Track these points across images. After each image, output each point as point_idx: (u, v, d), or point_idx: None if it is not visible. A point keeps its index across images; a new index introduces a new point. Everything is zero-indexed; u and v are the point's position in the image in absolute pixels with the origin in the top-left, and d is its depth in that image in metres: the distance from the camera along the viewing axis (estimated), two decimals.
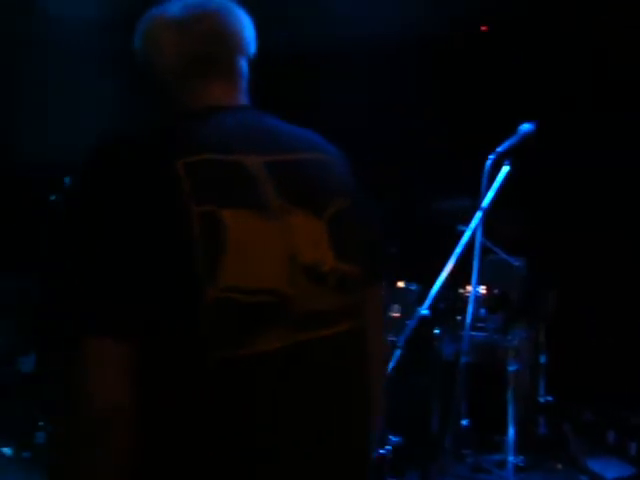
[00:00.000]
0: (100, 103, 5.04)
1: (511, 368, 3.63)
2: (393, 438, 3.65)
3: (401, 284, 4.11)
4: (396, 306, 4.08)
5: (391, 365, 2.30)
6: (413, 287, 4.07)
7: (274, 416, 1.16)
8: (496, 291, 3.97)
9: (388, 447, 3.62)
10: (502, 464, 3.60)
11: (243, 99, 1.36)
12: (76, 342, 1.08)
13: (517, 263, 3.86)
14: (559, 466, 3.84)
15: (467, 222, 3.01)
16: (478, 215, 2.98)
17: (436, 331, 3.87)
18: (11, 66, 4.99)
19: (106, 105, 5.06)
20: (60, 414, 1.13)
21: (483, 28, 4.74)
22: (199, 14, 1.30)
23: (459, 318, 3.81)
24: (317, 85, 5.20)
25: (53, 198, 3.75)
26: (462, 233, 2.99)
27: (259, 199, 1.19)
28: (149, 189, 1.12)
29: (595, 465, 3.81)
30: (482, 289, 3.85)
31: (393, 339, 3.91)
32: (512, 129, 3.01)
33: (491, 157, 3.04)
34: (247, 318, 1.14)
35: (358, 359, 1.30)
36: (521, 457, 3.58)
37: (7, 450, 3.59)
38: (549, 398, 3.96)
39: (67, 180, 3.73)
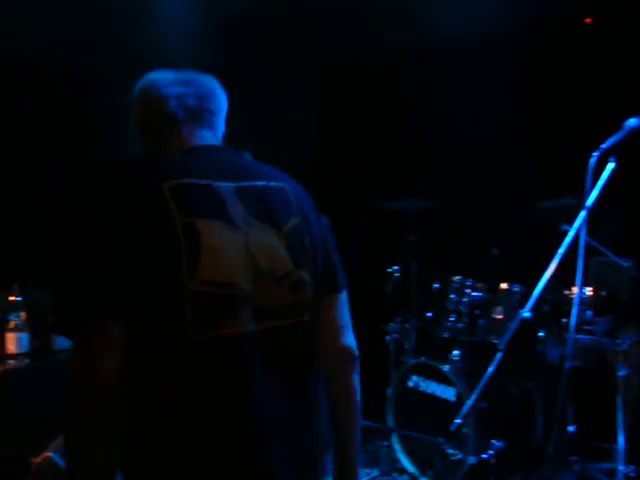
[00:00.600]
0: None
1: (620, 373, 3.49)
2: (496, 443, 3.59)
3: (504, 286, 4.03)
4: (499, 308, 4.01)
5: (491, 369, 2.24)
6: (516, 288, 3.99)
7: (245, 384, 1.50)
8: (604, 293, 3.82)
9: (491, 452, 3.56)
10: (612, 473, 3.47)
11: (215, 141, 1.73)
12: (85, 326, 1.42)
13: (626, 264, 3.71)
14: None
15: (571, 221, 2.92)
16: (582, 214, 2.87)
17: (540, 334, 3.78)
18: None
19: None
20: (69, 386, 1.44)
21: (587, 20, 4.58)
22: (184, 80, 1.71)
23: (564, 321, 3.69)
24: (417, 82, 5.19)
25: None
26: (566, 233, 2.90)
27: (228, 214, 1.52)
28: (145, 206, 1.46)
29: None
30: (589, 291, 3.72)
31: (495, 341, 3.86)
32: (618, 125, 2.89)
33: (595, 154, 2.93)
34: (219, 307, 1.47)
35: (303, 346, 1.64)
36: (632, 467, 3.43)
37: None
38: None
39: None
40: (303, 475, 1.63)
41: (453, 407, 3.70)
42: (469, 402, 2.38)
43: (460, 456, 3.67)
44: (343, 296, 1.79)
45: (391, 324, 4.33)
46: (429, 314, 4.19)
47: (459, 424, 3.52)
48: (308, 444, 1.65)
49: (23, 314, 3.77)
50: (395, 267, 4.37)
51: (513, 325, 2.82)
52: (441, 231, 4.59)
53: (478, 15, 4.48)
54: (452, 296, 4.04)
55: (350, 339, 1.80)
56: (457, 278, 4.06)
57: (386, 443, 4.12)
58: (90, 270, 1.43)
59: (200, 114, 1.70)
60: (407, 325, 4.28)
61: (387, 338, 4.34)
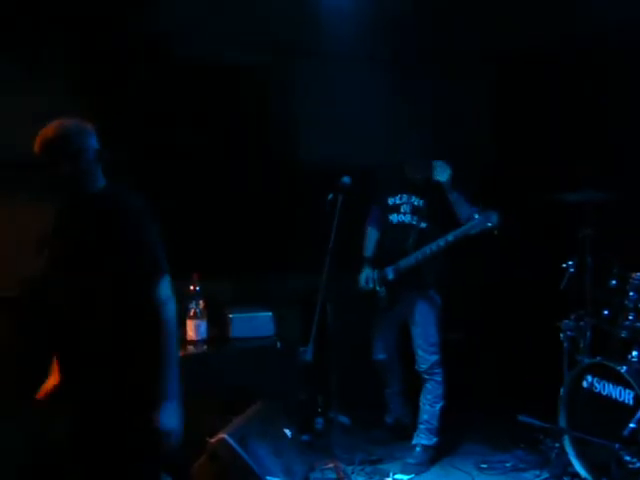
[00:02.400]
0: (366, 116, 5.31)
1: None
2: None
3: None
4: None
5: None
6: None
7: None
8: None
9: None
10: None
11: None
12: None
13: None
14: None
15: None
16: None
17: None
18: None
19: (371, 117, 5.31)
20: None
21: None
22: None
23: None
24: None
25: (330, 197, 3.97)
26: None
27: None
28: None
29: None
30: None
31: None
32: None
33: None
34: None
35: None
36: None
37: (288, 432, 3.86)
38: None
39: (346, 180, 3.95)
40: None
41: (631, 411, 3.49)
42: None
43: (639, 465, 3.46)
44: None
45: (565, 321, 4.15)
46: (606, 312, 3.98)
47: (633, 429, 3.34)
48: None
49: (202, 303, 4.03)
50: (570, 262, 4.19)
51: None
52: (620, 225, 4.33)
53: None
54: (631, 293, 3.81)
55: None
56: (637, 275, 3.82)
57: (558, 445, 3.97)
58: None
59: None
60: (582, 323, 4.09)
61: (561, 336, 4.17)
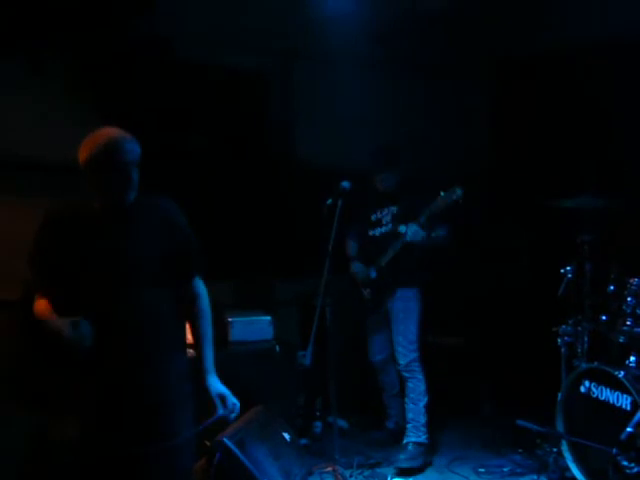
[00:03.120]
0: (365, 118, 5.32)
1: None
2: None
3: None
4: None
5: None
6: None
7: None
8: None
9: None
10: None
11: None
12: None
13: None
14: None
15: None
16: None
17: None
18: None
19: (371, 120, 5.33)
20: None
21: None
22: None
23: None
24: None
25: (329, 202, 3.98)
26: None
27: None
28: None
29: None
30: None
31: None
32: None
33: None
34: None
35: None
36: None
37: (286, 435, 3.86)
38: None
39: (345, 184, 3.96)
40: None
41: (628, 416, 3.50)
42: None
43: (637, 469, 3.47)
44: None
45: (563, 326, 4.17)
46: (604, 317, 3.99)
47: (630, 433, 3.35)
48: None
49: None
50: (568, 267, 4.20)
51: None
52: (618, 231, 4.35)
53: None
54: (629, 299, 3.81)
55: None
56: (635, 280, 3.83)
57: (555, 449, 3.98)
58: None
59: None
60: (580, 328, 4.10)
61: (559, 341, 4.18)
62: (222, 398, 2.80)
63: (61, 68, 4.57)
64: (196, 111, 5.10)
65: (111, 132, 2.60)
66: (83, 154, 2.56)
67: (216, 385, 2.83)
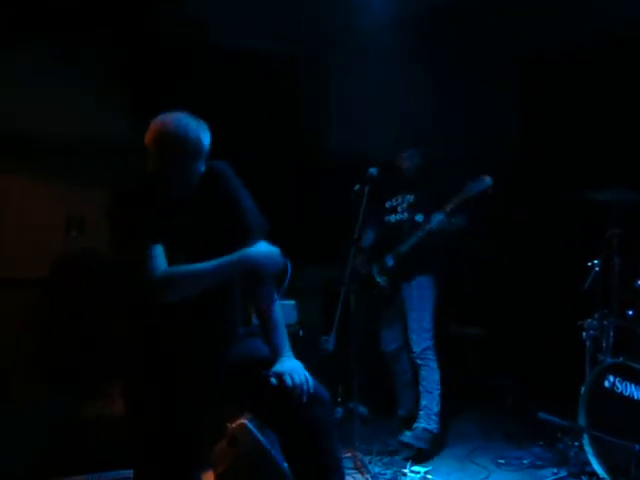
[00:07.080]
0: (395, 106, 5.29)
1: None
2: None
3: None
4: None
5: None
6: None
7: None
8: None
9: None
10: None
11: None
12: None
13: None
14: None
15: None
16: None
17: None
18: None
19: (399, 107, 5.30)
20: None
21: None
22: None
23: None
24: None
25: (357, 188, 3.98)
26: None
27: None
28: None
29: None
30: None
31: None
32: None
33: None
34: None
35: None
36: None
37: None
38: None
39: (373, 171, 3.95)
40: None
41: None
42: None
43: None
44: None
45: (588, 320, 4.13)
46: (630, 312, 3.95)
47: None
48: None
49: None
50: (596, 261, 4.16)
51: None
52: None
53: None
54: None
55: None
56: None
57: (577, 443, 3.96)
58: None
59: None
60: (606, 322, 4.06)
61: (583, 334, 4.15)
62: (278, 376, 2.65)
63: (93, 53, 4.59)
64: (227, 97, 5.10)
65: (179, 118, 2.59)
66: (149, 136, 2.53)
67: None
